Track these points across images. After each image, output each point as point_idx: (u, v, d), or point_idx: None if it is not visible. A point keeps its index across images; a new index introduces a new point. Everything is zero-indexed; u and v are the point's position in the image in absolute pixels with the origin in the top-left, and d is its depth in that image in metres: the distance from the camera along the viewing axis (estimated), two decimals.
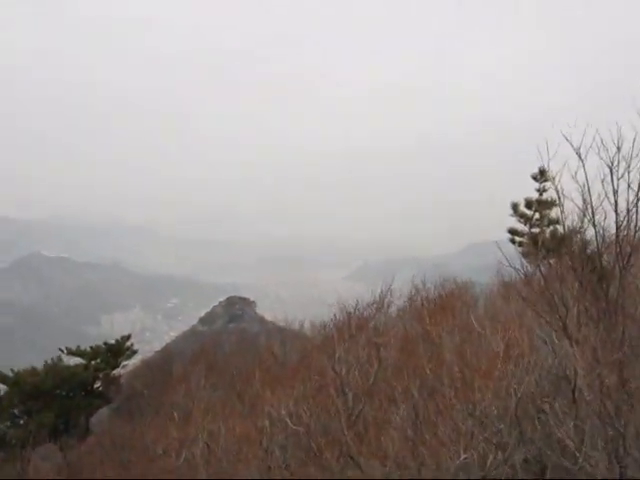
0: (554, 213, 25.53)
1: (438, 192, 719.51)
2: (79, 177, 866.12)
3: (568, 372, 10.27)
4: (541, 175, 26.71)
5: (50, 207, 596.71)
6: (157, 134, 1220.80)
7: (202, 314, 59.79)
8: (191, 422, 18.77)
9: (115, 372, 34.88)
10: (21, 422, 30.88)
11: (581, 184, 10.45)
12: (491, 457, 10.04)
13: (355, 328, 15.77)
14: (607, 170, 10.23)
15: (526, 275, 12.18)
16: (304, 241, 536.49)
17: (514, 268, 12.99)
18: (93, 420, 35.02)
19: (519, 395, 10.47)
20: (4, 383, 32.27)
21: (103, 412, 36.29)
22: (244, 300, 58.45)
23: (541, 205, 26.87)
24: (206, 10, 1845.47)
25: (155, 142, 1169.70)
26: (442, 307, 17.73)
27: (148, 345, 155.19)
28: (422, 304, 21.00)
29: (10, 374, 32.44)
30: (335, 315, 21.34)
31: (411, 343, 15.64)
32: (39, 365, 33.49)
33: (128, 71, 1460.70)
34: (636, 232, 10.42)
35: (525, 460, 11.12)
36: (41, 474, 23.34)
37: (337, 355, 14.81)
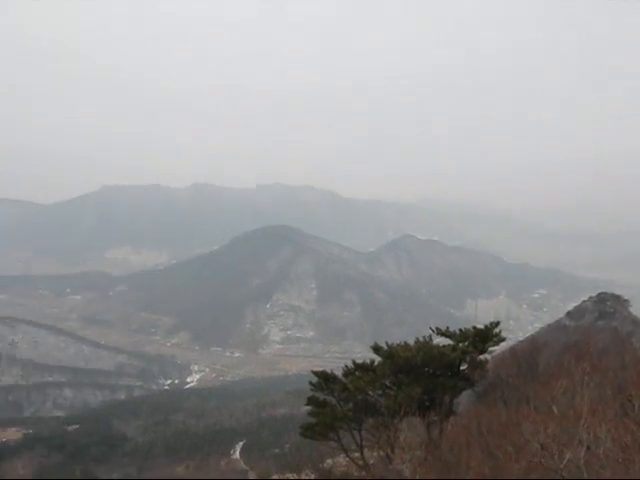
0: None
1: None
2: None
3: None
4: None
5: (417, 193, 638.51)
6: None
7: (569, 308, 57.43)
8: (571, 421, 17.77)
9: (481, 357, 34.66)
10: (391, 393, 32.45)
11: None
12: None
13: None
14: None
15: None
16: None
17: None
18: (457, 401, 35.76)
19: None
20: (378, 354, 34.29)
21: (466, 395, 36.85)
22: (616, 298, 54.44)
23: None
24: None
25: None
26: None
27: (511, 334, 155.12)
28: None
29: (384, 347, 34.39)
30: None
31: None
32: (409, 340, 34.83)
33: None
34: None
35: None
36: (412, 445, 24.24)
37: None
